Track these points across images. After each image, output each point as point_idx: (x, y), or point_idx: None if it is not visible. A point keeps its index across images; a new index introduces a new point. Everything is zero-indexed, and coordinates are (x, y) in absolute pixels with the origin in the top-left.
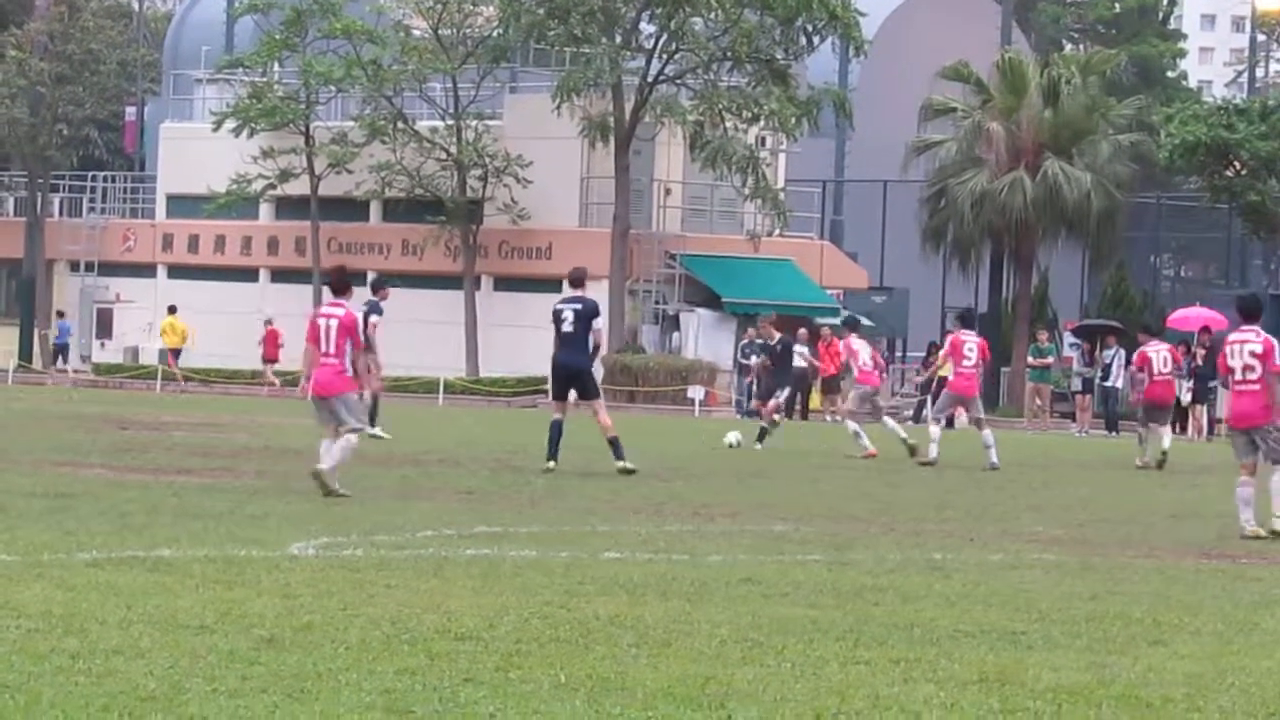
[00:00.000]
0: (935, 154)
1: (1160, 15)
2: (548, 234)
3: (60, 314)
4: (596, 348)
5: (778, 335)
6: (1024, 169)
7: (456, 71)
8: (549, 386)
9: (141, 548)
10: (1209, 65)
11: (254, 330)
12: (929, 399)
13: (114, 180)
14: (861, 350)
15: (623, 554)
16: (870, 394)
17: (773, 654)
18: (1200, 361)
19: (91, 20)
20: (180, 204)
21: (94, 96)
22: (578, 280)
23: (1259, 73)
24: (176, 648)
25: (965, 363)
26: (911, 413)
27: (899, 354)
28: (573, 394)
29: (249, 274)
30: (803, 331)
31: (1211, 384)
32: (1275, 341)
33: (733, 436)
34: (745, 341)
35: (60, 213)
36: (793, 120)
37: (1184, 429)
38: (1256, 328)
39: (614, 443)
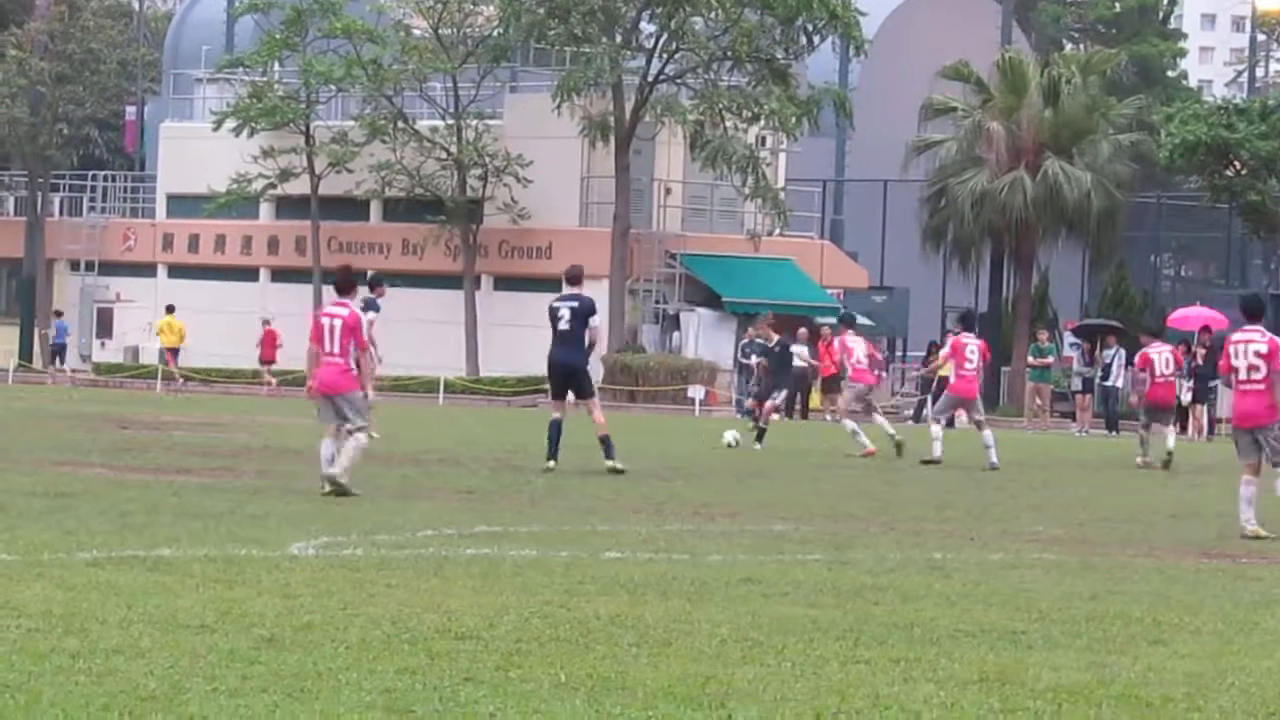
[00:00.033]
0: (935, 153)
1: (1160, 15)
2: (548, 233)
3: (58, 314)
4: (592, 345)
5: (776, 337)
6: (1024, 168)
7: (457, 71)
8: (548, 385)
9: (142, 547)
10: (1209, 65)
11: (254, 330)
12: (929, 398)
13: (114, 180)
14: (856, 347)
15: (623, 553)
16: (864, 391)
17: (773, 653)
18: (1200, 361)
19: (92, 20)
20: (180, 203)
21: (94, 96)
22: (574, 278)
23: (1259, 72)
24: (177, 647)
25: (967, 365)
26: (911, 412)
27: (899, 353)
28: (572, 394)
29: (249, 273)
30: (803, 331)
31: (1212, 384)
32: None
33: (730, 436)
34: (745, 341)
35: (60, 212)
36: (793, 120)
37: (1184, 429)
38: (1260, 327)
39: (605, 441)
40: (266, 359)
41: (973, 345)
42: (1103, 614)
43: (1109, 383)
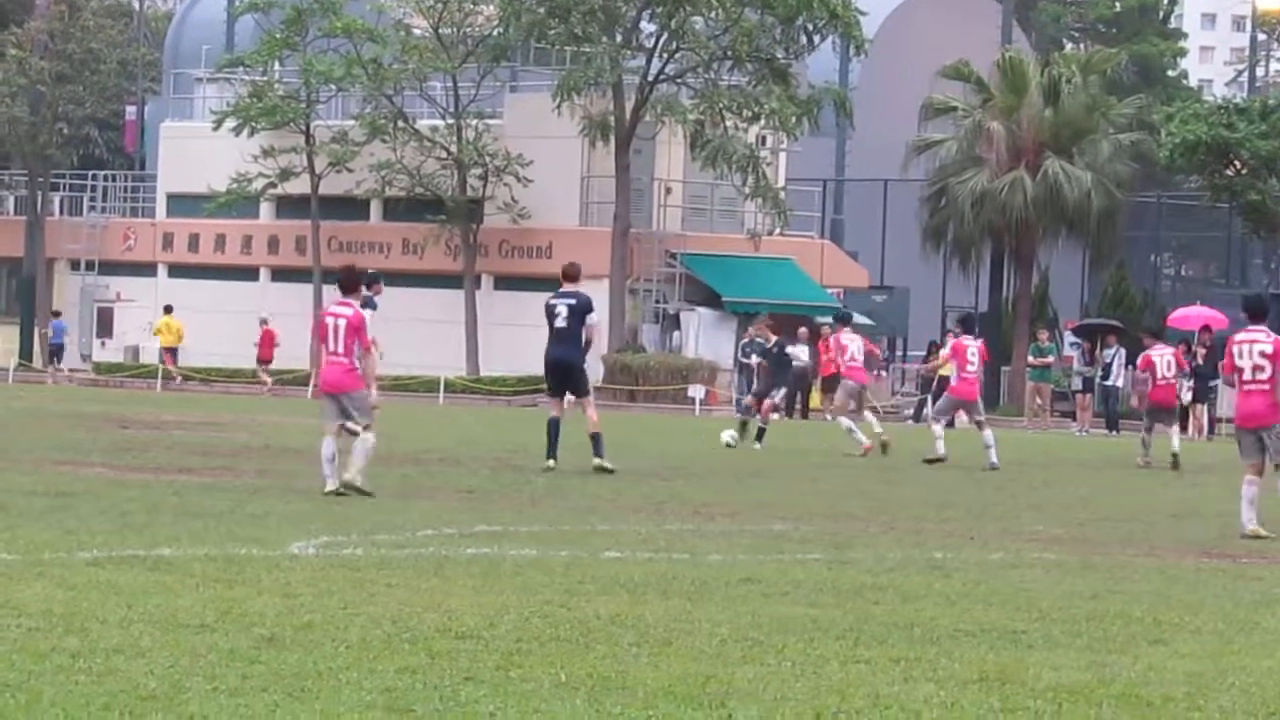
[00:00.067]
0: (936, 153)
1: (1161, 14)
2: (548, 233)
3: (56, 314)
4: (589, 343)
5: (774, 338)
6: (1024, 168)
7: (457, 70)
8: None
9: (142, 546)
10: (1209, 64)
11: (254, 329)
12: (929, 398)
13: (114, 179)
14: (851, 345)
15: (623, 553)
16: (856, 389)
17: (773, 653)
18: (1200, 360)
19: (92, 19)
20: (180, 203)
21: (94, 95)
22: (572, 275)
23: (1259, 72)
24: (177, 646)
25: (969, 368)
26: (911, 412)
27: (899, 353)
28: (569, 394)
29: (249, 273)
30: (803, 330)
31: (1212, 383)
32: None
33: (728, 435)
34: (745, 340)
35: (61, 212)
36: (793, 119)
37: (1184, 428)
38: (1264, 327)
39: (595, 439)
40: (264, 358)
41: (973, 348)
42: (1103, 613)
43: (1109, 382)
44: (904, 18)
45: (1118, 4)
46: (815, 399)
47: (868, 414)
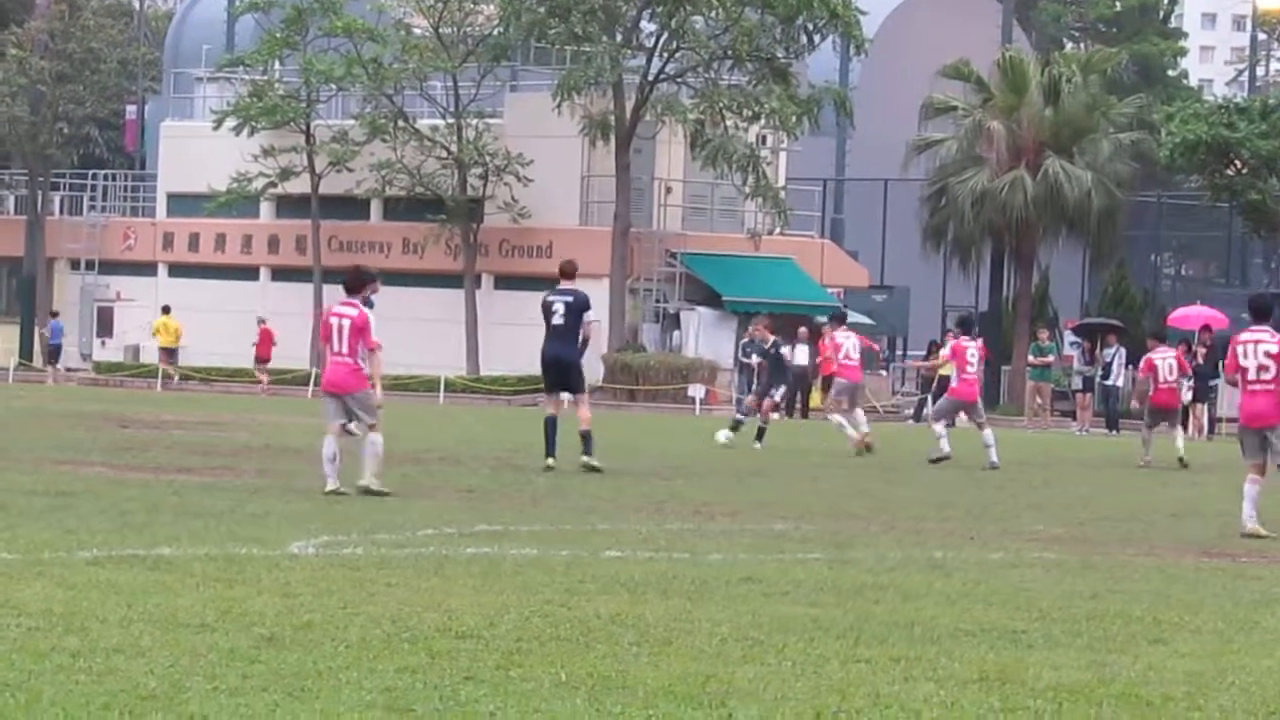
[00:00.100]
0: (936, 153)
1: (1161, 14)
2: (548, 232)
3: (54, 313)
4: (586, 340)
5: (772, 338)
6: (1024, 168)
7: (457, 70)
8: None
9: (142, 546)
10: (1210, 64)
11: (254, 329)
12: (929, 398)
13: (114, 179)
14: (845, 343)
15: (623, 552)
16: (849, 387)
17: (773, 652)
18: (1200, 360)
19: (92, 19)
20: (181, 202)
21: (94, 95)
22: (569, 273)
23: (1259, 71)
24: (177, 646)
25: (969, 369)
26: (912, 412)
27: (900, 352)
28: (565, 392)
29: (249, 272)
30: (803, 330)
31: (1212, 383)
32: None
33: (723, 435)
34: (746, 340)
35: (61, 211)
36: (793, 119)
37: (1185, 428)
38: (1269, 327)
39: (586, 437)
40: (262, 357)
41: (973, 349)
42: (1103, 613)
43: (1109, 381)
44: (904, 17)
45: (1118, 3)
46: (815, 399)
47: (858, 412)
